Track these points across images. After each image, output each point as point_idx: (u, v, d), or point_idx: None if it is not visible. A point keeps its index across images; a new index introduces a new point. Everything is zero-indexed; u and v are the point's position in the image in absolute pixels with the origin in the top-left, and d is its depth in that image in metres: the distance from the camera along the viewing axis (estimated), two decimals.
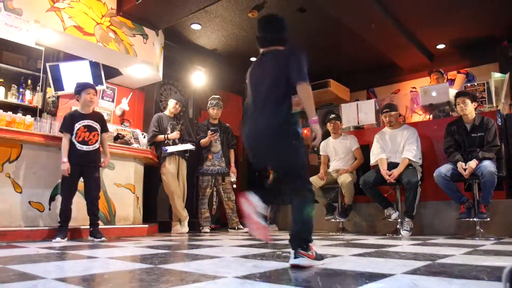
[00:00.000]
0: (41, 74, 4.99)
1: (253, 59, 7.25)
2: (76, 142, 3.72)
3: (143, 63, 5.20)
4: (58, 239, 3.50)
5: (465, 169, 3.82)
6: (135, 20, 5.07)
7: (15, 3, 3.94)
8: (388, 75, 7.58)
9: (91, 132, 3.82)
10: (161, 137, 5.04)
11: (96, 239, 3.65)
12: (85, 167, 3.75)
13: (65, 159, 3.64)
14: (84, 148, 3.75)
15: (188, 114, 6.64)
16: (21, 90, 4.93)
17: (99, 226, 3.83)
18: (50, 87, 4.97)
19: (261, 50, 2.36)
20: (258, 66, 2.35)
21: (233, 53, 6.97)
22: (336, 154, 5.05)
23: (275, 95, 2.14)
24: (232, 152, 5.60)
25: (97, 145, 3.86)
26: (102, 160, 3.95)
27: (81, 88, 3.85)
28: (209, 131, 5.27)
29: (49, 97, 5.02)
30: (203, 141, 5.33)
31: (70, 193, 3.68)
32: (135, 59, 5.06)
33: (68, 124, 3.74)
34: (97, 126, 3.88)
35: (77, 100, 3.95)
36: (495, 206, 3.99)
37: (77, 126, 3.75)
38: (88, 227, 3.78)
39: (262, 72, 2.28)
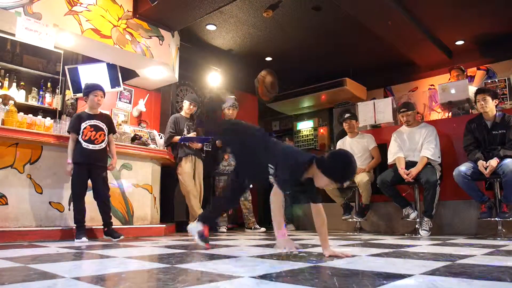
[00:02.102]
0: (60, 77, 5.09)
1: (268, 59, 7.26)
2: (82, 141, 3.74)
3: (159, 64, 5.25)
4: (84, 239, 3.52)
5: (486, 168, 3.73)
6: (151, 22, 5.12)
7: (34, 8, 4.02)
8: (406, 73, 7.47)
9: (97, 131, 3.82)
10: (177, 138, 5.07)
11: (114, 239, 3.67)
12: (92, 167, 3.75)
13: (70, 160, 3.68)
14: (90, 147, 3.76)
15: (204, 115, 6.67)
16: (41, 92, 5.05)
17: (114, 226, 3.83)
18: (69, 89, 5.07)
19: None
20: None
21: (249, 53, 6.98)
22: (353, 153, 4.89)
23: None
24: None
25: (103, 145, 3.86)
26: (109, 162, 3.95)
27: (89, 89, 3.89)
28: None
29: (68, 99, 5.11)
30: (218, 141, 5.35)
31: (80, 193, 3.70)
32: (151, 60, 5.11)
33: (74, 124, 3.78)
34: (103, 126, 3.89)
35: (85, 101, 3.98)
36: None
37: (84, 125, 3.78)
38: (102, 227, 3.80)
39: None
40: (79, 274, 1.70)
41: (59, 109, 5.03)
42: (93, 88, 3.88)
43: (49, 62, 5.24)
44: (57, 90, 5.13)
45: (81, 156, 3.71)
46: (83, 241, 3.50)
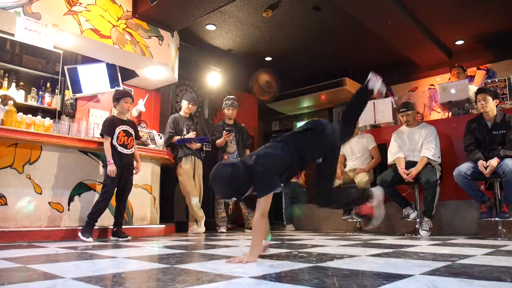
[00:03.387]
0: (60, 77, 5.08)
1: (268, 58, 7.25)
2: (117, 145, 3.90)
3: (159, 64, 5.25)
4: (90, 238, 3.62)
5: (486, 168, 3.73)
6: (150, 22, 5.11)
7: (34, 8, 4.02)
8: (405, 73, 7.47)
9: (129, 137, 4.02)
10: (177, 138, 5.06)
11: (121, 239, 3.79)
12: (124, 170, 3.92)
13: (111, 160, 3.80)
14: (125, 151, 3.95)
15: (204, 115, 6.67)
16: (40, 93, 5.04)
17: (111, 226, 3.96)
18: (68, 89, 5.06)
19: None
20: None
21: (248, 53, 6.97)
22: (353, 153, 5.00)
23: None
24: (247, 152, 5.59)
25: (133, 150, 4.06)
26: (135, 165, 4.13)
27: (120, 96, 4.04)
28: (224, 131, 5.28)
29: (68, 100, 5.11)
30: (218, 141, 5.34)
31: (110, 194, 3.83)
32: (151, 60, 5.11)
33: (109, 128, 3.91)
34: (132, 132, 4.08)
35: (115, 107, 4.14)
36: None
37: (118, 130, 3.94)
38: (112, 227, 3.93)
39: None
40: (79, 274, 1.70)
41: (59, 109, 5.02)
42: (124, 95, 4.06)
43: (48, 62, 5.23)
44: (56, 90, 5.12)
45: (116, 159, 3.85)
46: (90, 240, 3.58)
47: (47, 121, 4.17)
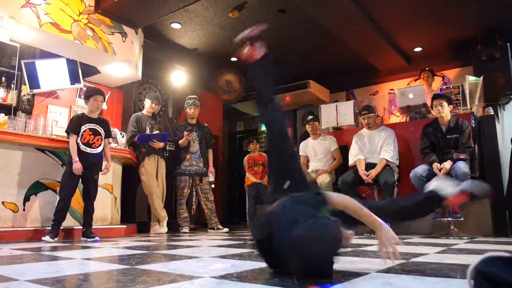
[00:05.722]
0: (16, 72, 4.87)
1: (234, 59, 7.25)
2: (80, 144, 3.79)
3: (122, 61, 5.14)
4: (47, 237, 3.49)
5: (440, 170, 3.91)
6: (113, 18, 5.00)
7: None
8: (367, 77, 7.68)
9: (95, 135, 3.90)
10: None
11: (89, 239, 3.70)
12: (87, 169, 3.79)
13: (76, 158, 3.69)
14: (88, 150, 3.83)
15: (167, 114, 6.59)
16: None
17: (68, 227, 3.88)
18: (25, 84, 4.86)
19: None
20: None
21: (214, 53, 6.95)
22: (315, 154, 5.09)
23: None
24: (210, 152, 5.57)
25: (100, 149, 3.94)
26: (104, 165, 4.04)
27: (91, 94, 3.95)
28: (185, 131, 5.24)
29: (24, 95, 4.91)
30: (180, 141, 5.29)
31: (69, 194, 3.73)
32: (113, 57, 4.99)
33: (75, 126, 3.81)
34: (101, 131, 3.96)
35: (86, 104, 4.02)
36: (469, 206, 4.09)
37: (83, 128, 3.83)
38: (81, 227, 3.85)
39: None
40: (34, 276, 1.64)
41: (14, 105, 4.81)
42: (94, 93, 3.96)
43: (3, 56, 4.99)
44: (12, 85, 4.90)
45: (78, 158, 3.72)
46: (48, 240, 3.47)
47: (2, 117, 3.99)
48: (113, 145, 4.78)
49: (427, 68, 6.00)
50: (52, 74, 4.96)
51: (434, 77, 6.40)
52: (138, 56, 5.49)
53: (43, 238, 3.50)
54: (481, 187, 1.83)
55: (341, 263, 2.01)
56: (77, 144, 3.78)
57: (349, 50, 6.47)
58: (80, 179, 3.83)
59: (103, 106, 5.63)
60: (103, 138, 3.99)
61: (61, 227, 3.71)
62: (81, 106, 5.58)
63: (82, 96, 4.08)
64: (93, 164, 3.88)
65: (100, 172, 4.00)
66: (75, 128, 3.80)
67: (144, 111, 5.28)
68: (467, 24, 5.87)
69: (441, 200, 1.88)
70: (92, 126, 3.90)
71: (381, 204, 2.34)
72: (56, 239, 3.57)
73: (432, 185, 1.85)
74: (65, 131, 3.89)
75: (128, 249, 2.93)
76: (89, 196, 3.88)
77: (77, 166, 3.68)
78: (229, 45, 6.54)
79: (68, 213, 3.88)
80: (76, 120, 3.87)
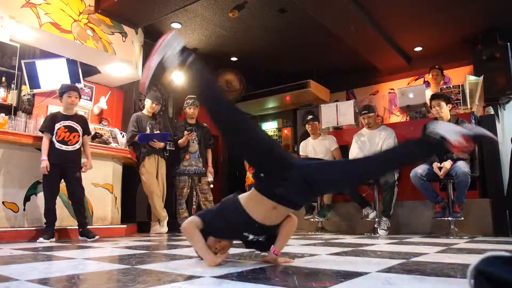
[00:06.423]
0: (16, 72, 4.87)
1: (234, 59, 7.26)
2: (55, 141, 3.72)
3: (122, 61, 5.14)
4: (41, 239, 3.48)
5: (440, 169, 3.91)
6: (113, 17, 5.00)
7: None
8: (367, 77, 7.68)
9: (71, 132, 3.83)
10: None
11: (89, 239, 3.67)
12: (65, 167, 3.74)
13: (44, 157, 3.62)
14: (63, 147, 3.76)
15: (168, 114, 6.59)
16: None
17: (70, 227, 3.86)
18: (25, 84, 4.86)
19: None
20: None
21: (214, 53, 6.95)
22: (316, 154, 5.09)
23: None
24: (209, 152, 5.55)
25: (77, 146, 3.86)
26: (83, 162, 3.94)
27: (64, 90, 3.88)
28: (185, 131, 5.23)
29: (24, 95, 4.91)
30: (180, 141, 5.28)
31: (52, 194, 3.67)
32: (113, 57, 4.99)
33: (48, 124, 3.75)
34: (78, 127, 3.90)
35: (60, 101, 3.96)
36: (469, 205, 4.10)
37: (58, 126, 3.77)
38: (77, 227, 3.80)
39: None
40: (34, 276, 1.64)
41: (15, 105, 4.80)
42: (67, 89, 3.88)
43: (4, 56, 4.99)
44: (12, 85, 4.90)
45: (53, 156, 3.68)
46: (42, 241, 3.44)
47: (2, 117, 3.98)
48: (113, 145, 4.79)
49: (436, 66, 5.98)
50: (52, 74, 4.95)
51: (443, 75, 6.39)
52: (138, 56, 5.49)
53: (37, 240, 3.48)
54: (483, 131, 1.78)
55: (341, 263, 2.01)
56: (52, 142, 3.71)
57: (349, 50, 6.48)
58: (63, 179, 3.78)
59: (103, 106, 5.73)
60: (81, 135, 3.91)
61: (61, 228, 3.70)
62: (81, 106, 5.58)
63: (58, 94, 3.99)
64: (70, 161, 3.79)
65: (81, 170, 3.91)
66: (47, 126, 3.74)
67: (144, 111, 5.27)
68: (467, 24, 5.88)
69: (443, 144, 1.74)
70: (67, 123, 3.83)
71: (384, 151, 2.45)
72: (52, 239, 3.55)
73: (437, 128, 1.74)
74: (39, 130, 3.82)
75: (128, 249, 2.93)
76: (75, 195, 3.80)
77: (44, 165, 3.60)
78: (229, 44, 6.55)
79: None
80: (49, 118, 3.81)
